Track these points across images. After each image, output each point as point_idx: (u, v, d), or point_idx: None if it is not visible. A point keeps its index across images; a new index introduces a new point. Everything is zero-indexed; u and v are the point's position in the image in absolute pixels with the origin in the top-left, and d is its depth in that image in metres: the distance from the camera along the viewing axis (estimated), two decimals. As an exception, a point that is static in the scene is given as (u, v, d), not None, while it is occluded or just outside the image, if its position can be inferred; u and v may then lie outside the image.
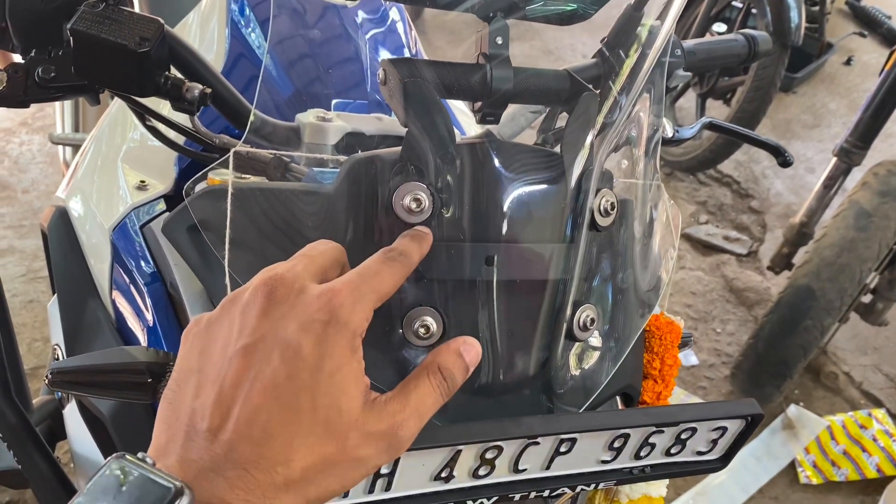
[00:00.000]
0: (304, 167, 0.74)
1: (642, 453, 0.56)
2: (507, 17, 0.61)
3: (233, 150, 0.57)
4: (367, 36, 1.01)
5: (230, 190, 0.54)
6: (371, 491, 0.49)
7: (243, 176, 0.69)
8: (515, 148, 0.56)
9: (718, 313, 2.51)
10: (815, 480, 2.03)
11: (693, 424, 0.56)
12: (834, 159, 2.06)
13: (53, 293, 0.95)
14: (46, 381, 0.59)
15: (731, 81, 2.85)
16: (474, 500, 0.53)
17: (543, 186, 0.56)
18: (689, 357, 2.31)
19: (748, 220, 2.85)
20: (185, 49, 0.70)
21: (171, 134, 0.79)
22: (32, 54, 0.68)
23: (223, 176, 0.67)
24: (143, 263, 0.76)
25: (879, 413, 2.19)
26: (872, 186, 1.91)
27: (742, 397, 2.10)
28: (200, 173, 0.59)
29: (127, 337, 0.78)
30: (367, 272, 0.43)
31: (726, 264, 2.66)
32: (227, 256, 0.53)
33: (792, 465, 2.05)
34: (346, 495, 0.49)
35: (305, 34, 0.98)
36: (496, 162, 0.54)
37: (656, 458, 0.58)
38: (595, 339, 0.59)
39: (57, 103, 1.94)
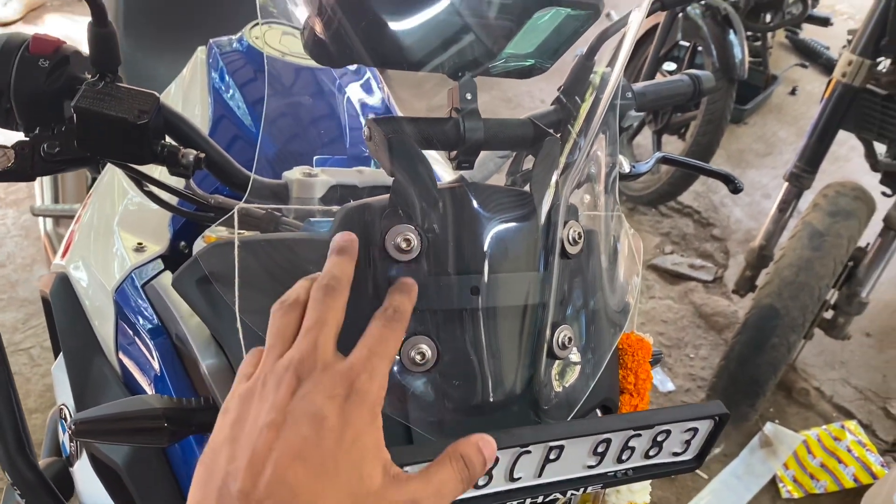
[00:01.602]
0: (294, 220, 0.80)
1: (624, 457, 0.62)
2: (474, 74, 0.68)
3: (237, 207, 0.63)
4: (343, 94, 1.08)
5: (237, 243, 0.60)
6: None
7: (239, 231, 0.74)
8: (490, 189, 0.62)
9: (690, 339, 2.59)
10: (796, 494, 2.09)
11: (667, 427, 0.62)
12: (786, 184, 2.17)
13: (56, 357, 0.99)
14: (70, 432, 0.63)
15: (683, 117, 2.98)
16: None
17: (517, 222, 0.62)
18: (665, 383, 2.38)
19: (711, 248, 2.96)
20: (178, 118, 0.76)
21: (165, 196, 0.84)
22: (36, 132, 0.74)
23: (219, 233, 0.74)
24: (147, 319, 0.81)
25: (851, 424, 2.27)
26: (823, 207, 2.02)
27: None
28: (211, 228, 0.65)
29: (134, 390, 0.82)
30: (374, 341, 0.48)
31: (694, 291, 2.75)
32: (237, 304, 0.58)
33: (773, 482, 2.11)
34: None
35: (283, 96, 1.05)
36: (475, 203, 0.61)
37: (637, 462, 0.64)
38: (574, 356, 0.66)
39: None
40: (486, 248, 0.60)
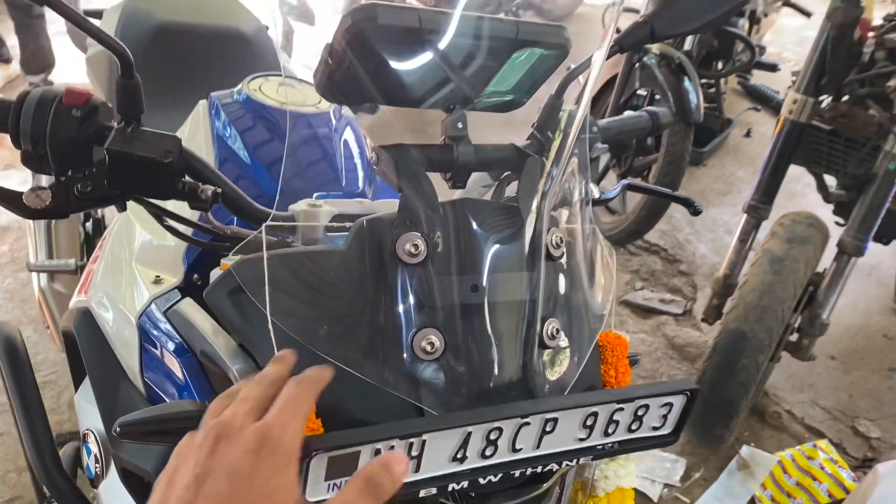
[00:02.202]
0: (302, 245, 0.89)
1: (610, 430, 0.71)
2: (463, 108, 0.79)
3: (264, 226, 0.72)
4: (333, 137, 1.18)
5: (265, 255, 0.69)
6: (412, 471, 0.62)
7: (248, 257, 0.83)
8: (484, 203, 0.72)
9: (665, 370, 2.69)
10: (774, 512, 2.17)
11: (646, 401, 0.71)
12: (745, 216, 2.30)
13: (76, 389, 1.06)
14: (116, 433, 0.70)
15: (646, 160, 3.13)
16: (483, 478, 0.67)
17: (508, 230, 0.72)
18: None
19: (679, 283, 3.08)
20: (196, 158, 0.85)
21: (182, 229, 0.93)
22: (69, 174, 0.83)
23: (233, 260, 0.83)
24: (171, 340, 0.89)
25: (823, 443, 2.36)
26: (780, 235, 2.15)
27: (696, 442, 2.25)
28: (230, 255, 0.74)
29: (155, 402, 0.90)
30: (286, 401, 0.56)
31: (665, 324, 2.86)
32: (268, 307, 0.67)
33: (752, 502, 2.19)
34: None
35: (282, 140, 1.15)
36: (471, 214, 0.71)
37: (621, 436, 0.72)
38: (563, 343, 0.75)
39: (29, 235, 2.05)
40: (483, 251, 0.70)
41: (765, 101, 4.31)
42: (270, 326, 0.67)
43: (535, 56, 0.79)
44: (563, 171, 0.82)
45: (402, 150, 0.72)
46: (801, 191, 3.45)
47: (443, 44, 0.72)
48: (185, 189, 0.82)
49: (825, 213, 2.38)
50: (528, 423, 0.66)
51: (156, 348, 0.91)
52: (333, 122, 1.20)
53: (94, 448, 0.95)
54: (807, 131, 2.20)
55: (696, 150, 3.60)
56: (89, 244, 2.00)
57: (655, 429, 0.74)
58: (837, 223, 2.35)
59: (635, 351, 1.00)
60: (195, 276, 1.01)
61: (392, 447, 0.61)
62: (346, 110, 1.24)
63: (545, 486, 0.74)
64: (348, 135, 1.21)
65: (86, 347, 0.97)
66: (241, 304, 0.72)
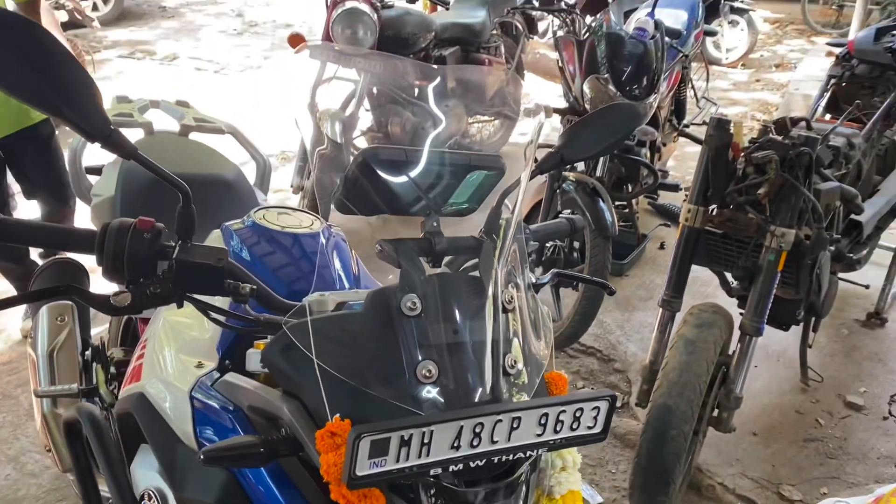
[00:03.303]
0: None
1: (558, 427, 1.01)
2: (435, 213, 1.13)
3: (306, 300, 1.02)
4: (327, 252, 1.50)
5: (309, 319, 0.99)
6: (419, 456, 0.90)
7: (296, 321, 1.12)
8: (458, 275, 1.05)
9: (610, 458, 2.97)
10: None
11: (581, 405, 1.01)
12: (661, 310, 2.68)
13: (129, 463, 1.29)
14: (200, 460, 0.97)
15: (573, 270, 3.54)
16: (472, 462, 0.95)
17: (475, 292, 1.05)
18: (594, 497, 2.71)
19: (616, 379, 3.41)
20: (234, 264, 1.16)
21: (219, 318, 1.20)
22: (140, 281, 1.11)
23: (264, 341, 1.13)
24: (222, 404, 1.16)
25: (754, 508, 2.65)
26: (690, 322, 2.53)
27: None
28: (270, 337, 1.04)
29: None
30: None
31: (606, 417, 3.15)
32: (314, 352, 0.97)
33: (697, 565, 2.43)
34: (399, 458, 0.89)
35: (286, 255, 1.46)
36: (450, 282, 1.03)
37: (566, 433, 1.02)
38: (520, 371, 1.06)
39: (30, 365, 2.26)
40: (460, 306, 1.02)
41: (672, 218, 4.84)
42: (316, 367, 0.96)
43: (482, 176, 1.15)
44: (507, 255, 1.15)
45: (400, 242, 1.05)
46: (712, 292, 3.88)
47: (419, 169, 1.07)
48: (230, 287, 1.12)
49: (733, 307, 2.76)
50: (500, 421, 0.95)
51: (208, 413, 1.17)
52: (323, 239, 1.52)
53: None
54: (703, 236, 2.62)
55: (617, 262, 4.03)
56: (87, 370, 2.22)
57: (590, 427, 1.04)
58: (741, 313, 2.74)
59: (583, 454, 1.27)
60: (227, 361, 1.28)
61: (411, 435, 0.89)
62: (335, 229, 1.57)
63: (516, 474, 1.02)
64: (336, 248, 1.54)
65: (145, 422, 1.22)
66: (291, 356, 1.01)
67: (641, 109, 3.82)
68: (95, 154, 1.79)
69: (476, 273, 1.12)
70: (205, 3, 11.30)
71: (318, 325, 1.00)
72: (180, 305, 1.15)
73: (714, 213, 2.56)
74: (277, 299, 1.18)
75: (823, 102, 3.54)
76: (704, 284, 3.77)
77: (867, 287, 3.75)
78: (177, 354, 1.31)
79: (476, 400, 0.99)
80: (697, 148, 2.74)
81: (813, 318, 3.10)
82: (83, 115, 0.97)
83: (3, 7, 2.91)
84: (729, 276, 2.82)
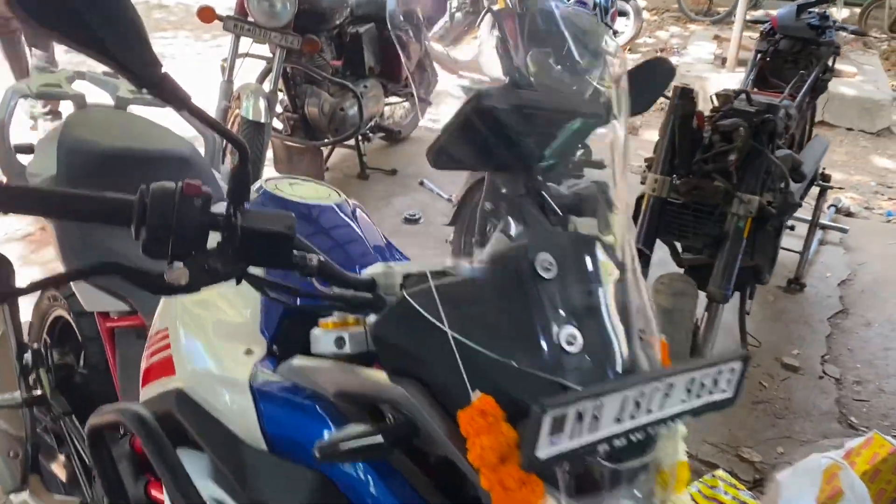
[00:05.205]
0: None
1: (700, 393, 0.92)
2: (548, 168, 1.01)
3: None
4: (354, 221, 1.34)
5: (433, 285, 0.85)
6: (589, 431, 0.79)
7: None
8: (585, 235, 0.94)
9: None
10: (700, 537, 2.43)
11: (720, 367, 0.93)
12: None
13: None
14: (317, 455, 0.82)
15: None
16: (618, 439, 0.84)
17: (603, 253, 0.94)
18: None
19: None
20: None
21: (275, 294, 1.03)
22: (192, 254, 0.93)
23: (333, 319, 0.98)
24: (299, 392, 0.99)
25: (720, 472, 2.68)
26: (664, 292, 2.52)
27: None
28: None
29: (287, 456, 0.98)
30: None
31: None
32: (445, 322, 0.83)
33: (678, 533, 2.44)
34: (572, 435, 0.78)
35: (311, 227, 1.28)
36: (579, 240, 0.93)
37: (706, 398, 0.94)
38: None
39: None
40: (593, 266, 0.91)
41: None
42: (451, 339, 0.83)
43: (580, 123, 1.04)
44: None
45: (522, 198, 0.93)
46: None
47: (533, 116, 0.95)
48: (297, 259, 0.96)
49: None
50: (657, 389, 0.86)
51: (277, 405, 1.00)
52: (348, 210, 1.36)
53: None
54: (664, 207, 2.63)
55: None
56: (25, 375, 1.94)
57: (724, 391, 0.96)
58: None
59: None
60: (274, 346, 1.11)
61: (585, 409, 0.78)
62: (352, 200, 1.41)
63: (656, 446, 0.93)
64: (361, 220, 1.38)
65: (193, 422, 1.03)
66: (409, 330, 0.87)
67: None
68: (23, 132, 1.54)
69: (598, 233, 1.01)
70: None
71: (443, 292, 0.86)
72: (238, 282, 0.98)
73: (680, 182, 2.57)
74: (342, 272, 1.03)
75: (753, 76, 3.66)
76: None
77: (801, 253, 3.92)
78: (217, 342, 1.12)
79: (619, 368, 0.89)
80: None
81: (749, 287, 3.20)
82: (133, 56, 0.79)
83: None
84: (679, 246, 2.86)
